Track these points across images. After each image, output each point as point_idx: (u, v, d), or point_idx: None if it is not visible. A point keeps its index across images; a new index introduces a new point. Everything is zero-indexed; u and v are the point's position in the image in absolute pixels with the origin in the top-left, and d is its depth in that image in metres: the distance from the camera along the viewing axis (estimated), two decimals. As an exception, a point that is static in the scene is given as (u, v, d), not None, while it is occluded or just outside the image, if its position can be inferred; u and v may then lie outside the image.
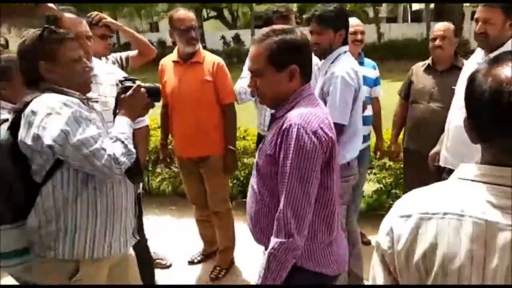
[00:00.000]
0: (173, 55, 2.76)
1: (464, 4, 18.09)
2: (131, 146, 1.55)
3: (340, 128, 2.15)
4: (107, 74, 2.23)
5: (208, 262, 3.19)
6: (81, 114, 1.48)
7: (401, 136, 3.24)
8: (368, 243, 3.18)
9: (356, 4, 21.65)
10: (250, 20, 23.38)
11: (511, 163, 0.77)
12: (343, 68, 2.23)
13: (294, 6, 26.67)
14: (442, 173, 2.46)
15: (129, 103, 1.66)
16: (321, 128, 1.34)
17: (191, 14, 2.67)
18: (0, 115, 1.74)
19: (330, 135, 1.37)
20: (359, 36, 2.89)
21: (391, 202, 3.42)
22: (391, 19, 27.34)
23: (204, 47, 2.87)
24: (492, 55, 2.08)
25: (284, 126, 1.34)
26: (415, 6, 25.66)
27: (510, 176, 0.77)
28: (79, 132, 1.43)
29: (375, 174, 3.78)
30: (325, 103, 2.21)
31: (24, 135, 1.48)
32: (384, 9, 27.61)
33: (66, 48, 1.58)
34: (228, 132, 2.78)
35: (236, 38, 23.89)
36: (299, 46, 1.40)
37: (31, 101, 1.50)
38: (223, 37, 23.81)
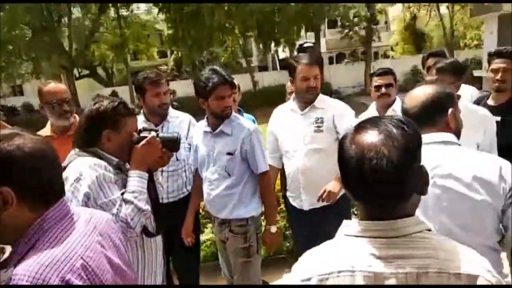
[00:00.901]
0: (46, 130, 2.55)
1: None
2: (142, 204, 1.60)
3: (269, 175, 2.40)
4: None
5: None
6: (105, 177, 1.57)
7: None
8: (271, 290, 3.18)
9: (229, 56, 23.02)
10: (127, 75, 23.01)
11: (383, 216, 0.89)
12: (249, 122, 2.41)
13: (171, 60, 27.20)
14: None
15: (140, 154, 1.69)
16: (66, 281, 0.90)
17: (62, 86, 2.53)
18: None
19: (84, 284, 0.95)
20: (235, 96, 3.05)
21: (288, 245, 3.55)
22: (263, 68, 29.62)
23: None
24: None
25: None
26: (282, 55, 28.26)
27: (385, 228, 0.88)
28: (100, 196, 1.55)
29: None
30: (246, 160, 2.31)
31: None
32: (255, 59, 29.91)
33: (130, 122, 1.72)
34: None
35: (114, 96, 23.20)
36: (12, 160, 0.93)
37: (67, 165, 1.60)
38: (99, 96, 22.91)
